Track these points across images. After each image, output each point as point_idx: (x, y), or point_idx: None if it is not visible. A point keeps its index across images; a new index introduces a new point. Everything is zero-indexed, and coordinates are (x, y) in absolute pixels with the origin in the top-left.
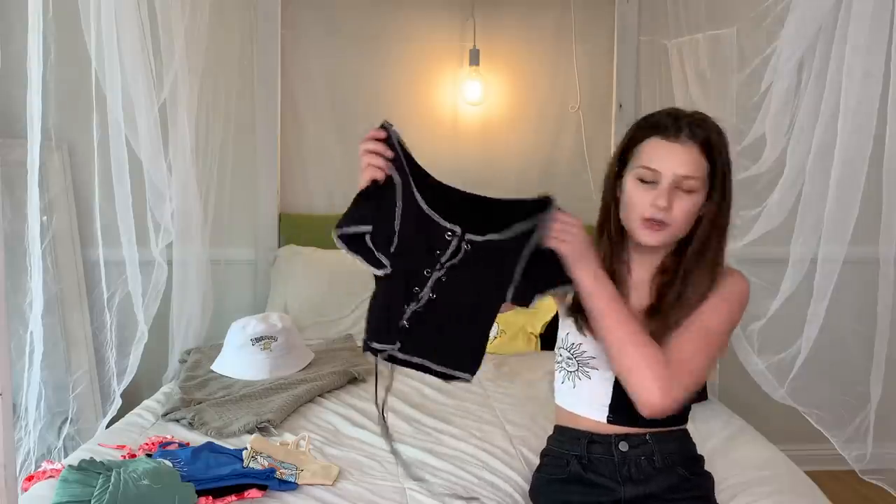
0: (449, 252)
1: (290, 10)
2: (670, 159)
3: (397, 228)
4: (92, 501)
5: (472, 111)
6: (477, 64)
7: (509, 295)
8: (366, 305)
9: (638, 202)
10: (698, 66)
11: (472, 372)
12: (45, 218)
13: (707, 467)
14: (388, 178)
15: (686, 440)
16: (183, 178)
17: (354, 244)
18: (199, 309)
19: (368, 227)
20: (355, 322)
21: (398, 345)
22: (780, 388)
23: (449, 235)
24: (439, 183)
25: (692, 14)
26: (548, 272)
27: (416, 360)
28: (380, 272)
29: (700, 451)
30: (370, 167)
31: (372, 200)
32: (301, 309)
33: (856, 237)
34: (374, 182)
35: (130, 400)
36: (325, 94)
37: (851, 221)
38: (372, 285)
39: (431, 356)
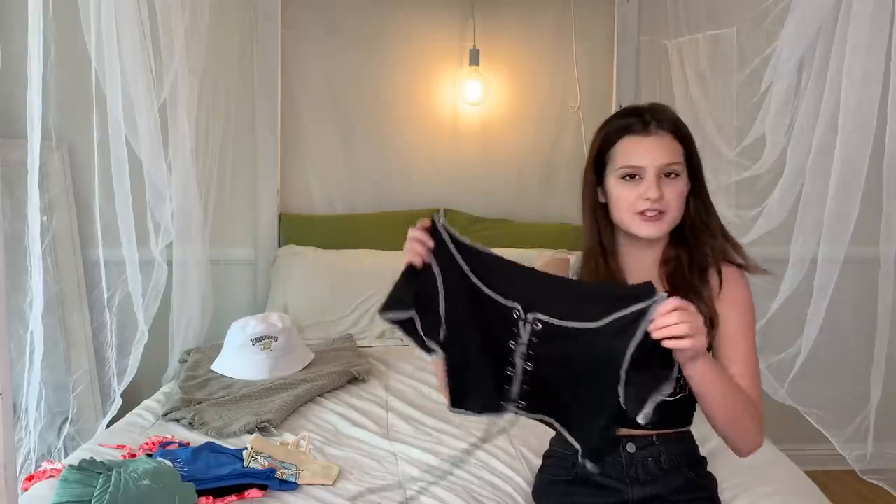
0: (521, 330)
1: (290, 10)
2: (649, 153)
3: (443, 314)
4: (92, 501)
5: (472, 111)
6: (477, 64)
7: (620, 394)
8: (365, 306)
9: (627, 199)
10: (698, 66)
11: (590, 457)
12: (45, 218)
13: (708, 467)
14: (428, 266)
15: (690, 441)
16: (183, 178)
17: (404, 327)
18: (199, 309)
19: (410, 313)
20: (355, 322)
21: (520, 403)
22: (780, 388)
23: (515, 314)
24: (511, 264)
25: (692, 14)
26: (652, 372)
27: (542, 417)
28: (428, 357)
29: (701, 450)
30: (409, 252)
31: (411, 287)
32: (301, 309)
33: (856, 237)
34: (412, 267)
35: (130, 400)
36: (325, 94)
37: (851, 221)
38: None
39: (554, 416)
